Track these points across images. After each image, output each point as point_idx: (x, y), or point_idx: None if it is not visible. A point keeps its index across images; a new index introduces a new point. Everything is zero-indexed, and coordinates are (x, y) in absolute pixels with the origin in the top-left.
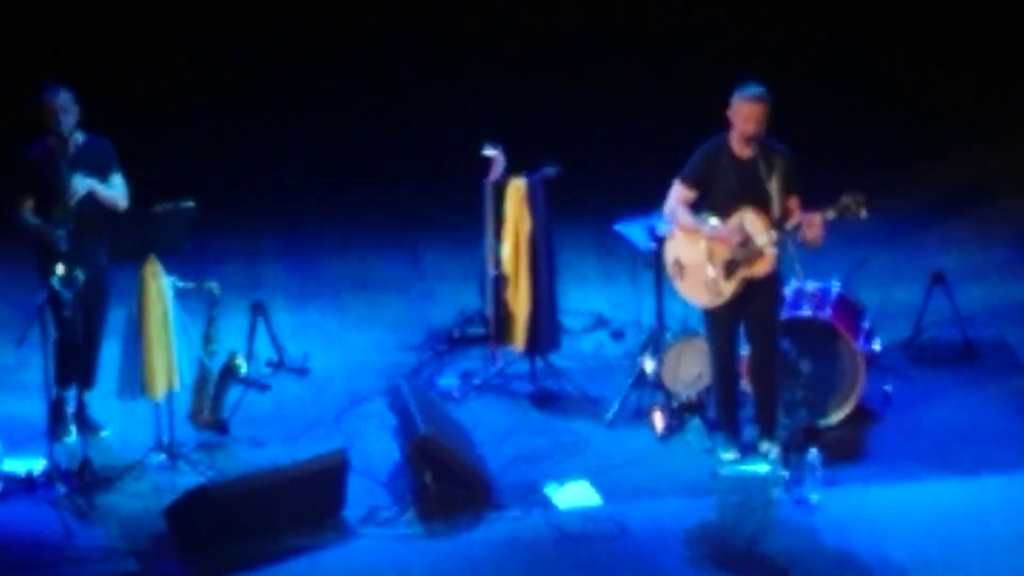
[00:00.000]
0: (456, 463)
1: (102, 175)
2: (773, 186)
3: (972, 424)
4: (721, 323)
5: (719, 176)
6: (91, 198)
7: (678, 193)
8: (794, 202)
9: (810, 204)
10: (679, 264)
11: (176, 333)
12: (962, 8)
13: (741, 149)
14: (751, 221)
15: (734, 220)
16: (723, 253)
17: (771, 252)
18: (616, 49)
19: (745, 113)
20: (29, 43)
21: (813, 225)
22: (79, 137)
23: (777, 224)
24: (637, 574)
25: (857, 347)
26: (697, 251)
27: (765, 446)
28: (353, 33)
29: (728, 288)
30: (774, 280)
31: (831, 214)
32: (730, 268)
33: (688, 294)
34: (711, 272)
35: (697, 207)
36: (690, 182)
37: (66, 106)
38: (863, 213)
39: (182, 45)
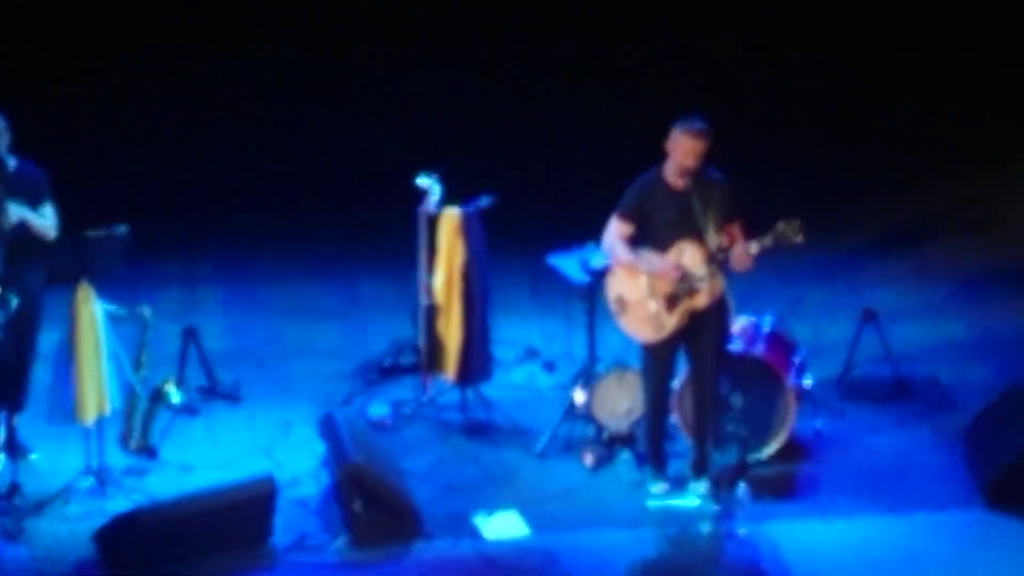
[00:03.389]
0: (386, 492)
1: (34, 203)
2: (709, 217)
3: (902, 461)
4: (661, 356)
5: (656, 209)
6: (22, 225)
7: (616, 228)
8: (735, 229)
9: (749, 235)
10: (621, 300)
11: (107, 358)
12: (908, 49)
13: (676, 181)
14: (690, 254)
15: (672, 255)
16: (664, 287)
17: (710, 284)
18: (551, 81)
19: (685, 147)
20: None
21: (742, 256)
22: (11, 162)
23: (713, 256)
24: None
25: (788, 383)
26: (638, 286)
27: (695, 480)
28: (289, 62)
29: (671, 321)
30: (718, 312)
31: (768, 241)
32: (672, 301)
33: (631, 330)
34: (653, 306)
35: (636, 240)
36: (627, 216)
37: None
38: (799, 238)
39: (118, 71)
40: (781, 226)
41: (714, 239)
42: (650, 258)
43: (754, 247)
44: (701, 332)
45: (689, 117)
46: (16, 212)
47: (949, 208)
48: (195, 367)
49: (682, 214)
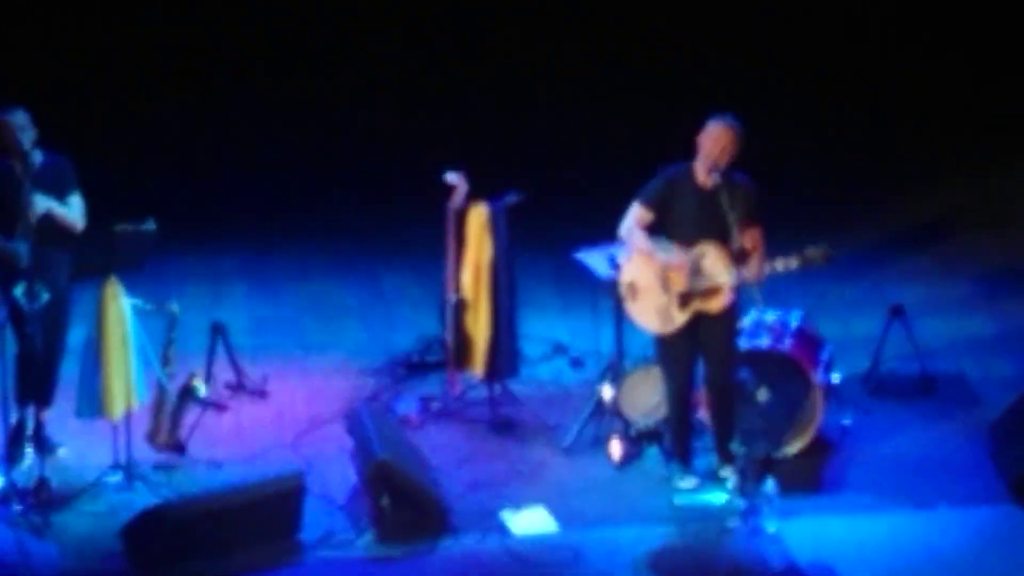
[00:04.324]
0: (413, 488)
1: (61, 194)
2: (733, 219)
3: (929, 457)
4: (675, 352)
5: (680, 202)
6: (49, 217)
7: (636, 214)
8: (756, 233)
9: (774, 239)
10: (633, 287)
11: (135, 353)
12: (924, 47)
13: (705, 178)
14: (712, 258)
15: (695, 252)
16: (679, 284)
17: (729, 288)
18: (578, 78)
19: (715, 135)
20: None
21: (757, 270)
22: (37, 156)
23: (736, 259)
24: None
25: (816, 379)
26: (652, 275)
27: (722, 475)
28: (316, 59)
29: (680, 317)
30: (730, 312)
31: (794, 263)
32: (685, 300)
33: (639, 318)
34: (664, 298)
35: (655, 233)
36: (649, 204)
37: (23, 125)
38: (826, 262)
39: (145, 68)
40: (810, 251)
41: (737, 242)
42: (667, 247)
43: (779, 265)
44: (713, 332)
45: (722, 113)
46: (43, 204)
47: (972, 204)
48: (223, 362)
49: (705, 213)
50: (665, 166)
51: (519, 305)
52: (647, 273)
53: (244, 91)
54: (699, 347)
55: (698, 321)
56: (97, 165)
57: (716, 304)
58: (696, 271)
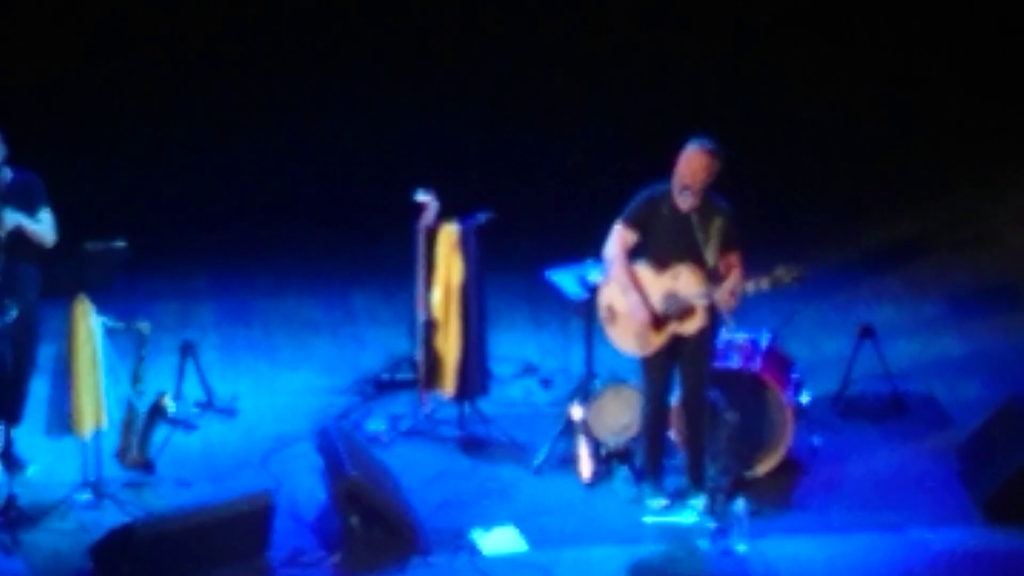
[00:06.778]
0: (383, 507)
1: (31, 210)
2: (710, 242)
3: (899, 477)
4: (656, 370)
5: (659, 223)
6: (20, 232)
7: (621, 236)
8: (734, 258)
9: (747, 261)
10: (611, 310)
11: (104, 372)
12: (899, 66)
13: (682, 201)
14: (685, 279)
15: (667, 279)
16: (654, 307)
17: (703, 310)
18: (549, 96)
19: (688, 161)
20: None
21: (727, 295)
22: (7, 173)
23: (710, 280)
24: None
25: (785, 399)
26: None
27: (693, 495)
28: (284, 74)
29: (656, 340)
30: (707, 333)
31: (765, 284)
32: (660, 323)
33: (618, 341)
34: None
35: (635, 252)
36: (633, 224)
37: None
38: (796, 284)
39: (113, 83)
40: (779, 271)
41: (712, 264)
42: (639, 288)
43: (751, 287)
44: (690, 355)
45: (702, 136)
46: (12, 219)
47: (942, 225)
48: (193, 381)
49: (681, 236)
50: (647, 185)
51: (489, 324)
52: (624, 298)
53: (214, 109)
54: (678, 366)
55: (677, 341)
56: (67, 183)
57: (691, 325)
58: (671, 294)
